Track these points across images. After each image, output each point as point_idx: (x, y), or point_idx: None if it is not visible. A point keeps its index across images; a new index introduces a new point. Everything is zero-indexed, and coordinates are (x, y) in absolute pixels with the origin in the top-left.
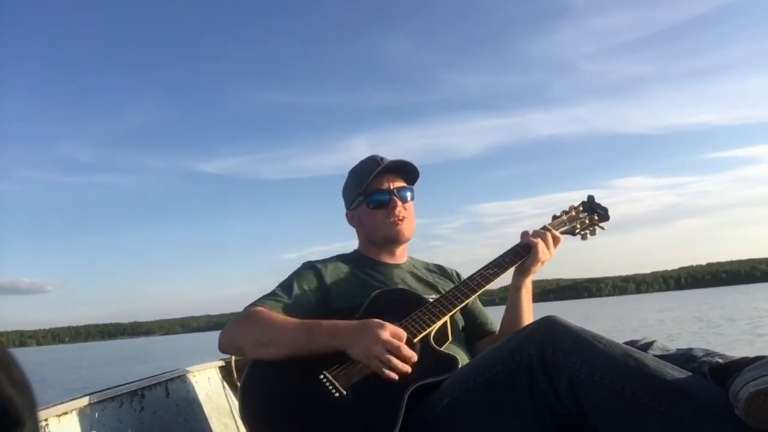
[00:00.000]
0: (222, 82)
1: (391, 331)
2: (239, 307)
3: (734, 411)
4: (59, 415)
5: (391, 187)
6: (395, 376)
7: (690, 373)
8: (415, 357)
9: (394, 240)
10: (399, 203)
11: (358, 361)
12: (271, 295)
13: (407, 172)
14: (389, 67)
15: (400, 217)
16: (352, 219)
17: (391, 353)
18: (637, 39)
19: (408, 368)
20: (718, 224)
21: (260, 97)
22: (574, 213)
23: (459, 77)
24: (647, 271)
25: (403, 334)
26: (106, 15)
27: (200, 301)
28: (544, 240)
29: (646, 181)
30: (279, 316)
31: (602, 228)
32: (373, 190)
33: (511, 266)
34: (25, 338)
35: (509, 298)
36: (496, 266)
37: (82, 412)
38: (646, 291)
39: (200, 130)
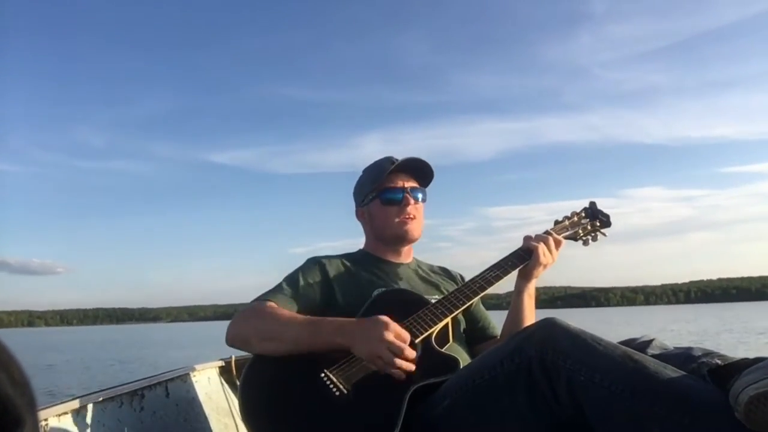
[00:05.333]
0: (237, 73)
1: (395, 332)
2: (246, 298)
3: (734, 413)
4: (59, 415)
5: (405, 185)
6: (402, 375)
7: (690, 375)
8: (416, 359)
9: (402, 238)
10: (411, 202)
11: (358, 358)
12: (277, 290)
13: (421, 174)
14: (403, 66)
15: (411, 216)
16: (362, 216)
17: (395, 354)
18: (655, 49)
19: (412, 367)
20: (730, 239)
21: (273, 91)
22: (576, 218)
23: (473, 79)
24: (657, 283)
25: (407, 336)
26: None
27: (208, 291)
28: (546, 243)
29: (659, 193)
30: (285, 312)
31: (604, 234)
32: (387, 187)
33: (514, 269)
34: (33, 318)
35: (512, 302)
36: (499, 269)
37: (82, 412)
38: (655, 303)
39: (213, 121)
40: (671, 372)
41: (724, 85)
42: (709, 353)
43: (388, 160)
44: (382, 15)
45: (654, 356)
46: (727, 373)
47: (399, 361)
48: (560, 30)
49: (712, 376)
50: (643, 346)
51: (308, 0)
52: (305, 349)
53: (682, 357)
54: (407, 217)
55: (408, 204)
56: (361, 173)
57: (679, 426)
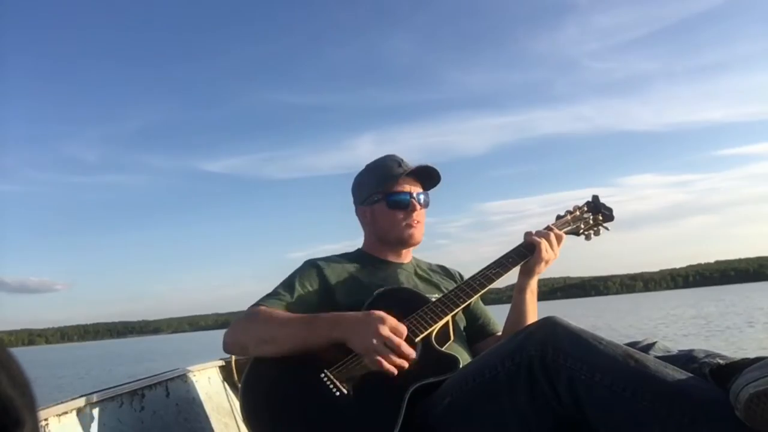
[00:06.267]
0: (226, 81)
1: (391, 326)
2: (246, 306)
3: (735, 412)
4: (59, 415)
5: (412, 190)
6: (394, 371)
7: (691, 375)
8: (413, 354)
9: (405, 242)
10: (418, 208)
11: (358, 357)
12: (273, 295)
13: (428, 178)
14: (393, 66)
15: (416, 221)
16: (363, 215)
17: (390, 349)
18: (642, 36)
19: (405, 364)
20: (726, 222)
21: (264, 97)
22: (578, 213)
23: (463, 75)
24: (655, 269)
25: (404, 330)
26: (110, 14)
27: (208, 300)
28: (548, 239)
29: (654, 179)
30: (280, 312)
31: (606, 228)
32: (395, 190)
33: (514, 266)
34: (34, 337)
35: (513, 299)
36: (499, 266)
37: (82, 412)
38: (654, 289)
39: (205, 130)
40: (672, 371)
41: (714, 69)
42: (711, 354)
43: (394, 161)
44: (370, 17)
45: (657, 358)
46: (728, 372)
47: (393, 358)
48: (547, 23)
49: (713, 375)
50: (646, 348)
51: (296, 6)
52: (303, 348)
53: (684, 358)
54: (413, 222)
55: (414, 210)
56: (363, 169)
57: (680, 425)
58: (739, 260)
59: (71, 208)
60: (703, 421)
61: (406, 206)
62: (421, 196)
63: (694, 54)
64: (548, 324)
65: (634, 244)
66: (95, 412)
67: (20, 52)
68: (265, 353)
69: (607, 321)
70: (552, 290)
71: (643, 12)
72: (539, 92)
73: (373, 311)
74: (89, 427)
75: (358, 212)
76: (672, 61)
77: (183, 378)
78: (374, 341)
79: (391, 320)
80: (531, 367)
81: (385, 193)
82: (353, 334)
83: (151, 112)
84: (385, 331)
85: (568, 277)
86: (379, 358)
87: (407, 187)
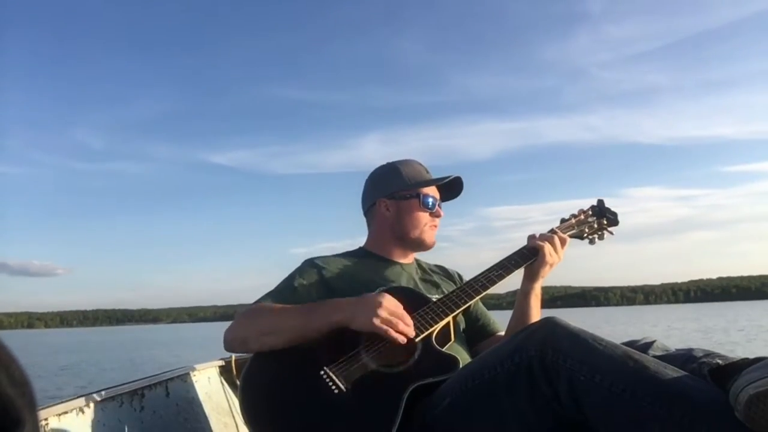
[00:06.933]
0: (234, 74)
1: (390, 301)
2: (246, 299)
3: (734, 413)
4: (59, 415)
5: (438, 198)
6: (403, 339)
7: (690, 375)
8: (412, 324)
9: (424, 245)
10: (442, 214)
11: (357, 355)
12: (273, 293)
13: (448, 190)
14: (401, 67)
15: (436, 227)
16: (385, 208)
17: (396, 319)
18: (653, 49)
19: (412, 332)
20: (729, 238)
21: (271, 92)
22: (582, 217)
23: (470, 79)
24: (656, 282)
25: (400, 305)
26: (121, 1)
27: (208, 292)
28: (552, 243)
29: (658, 192)
30: (278, 305)
31: (611, 233)
32: (427, 192)
33: (517, 268)
34: (33, 320)
35: (517, 302)
36: (502, 268)
37: (82, 412)
38: (655, 302)
39: (212, 122)
40: (672, 372)
41: (724, 85)
42: (710, 353)
43: (422, 166)
44: (379, 15)
45: (655, 357)
46: (727, 373)
47: (401, 326)
48: (558, 30)
49: (712, 376)
50: (644, 347)
51: (305, 1)
52: (304, 336)
53: (683, 358)
54: (435, 227)
55: (439, 215)
56: (389, 164)
57: (680, 426)
58: (741, 278)
59: (76, 193)
60: (703, 421)
61: (434, 210)
62: (441, 204)
63: (704, 69)
64: (548, 324)
65: (635, 256)
66: (95, 411)
67: (28, 35)
68: (266, 345)
69: (606, 332)
70: (552, 299)
71: (655, 25)
72: (547, 99)
73: (368, 293)
74: (89, 426)
75: (376, 204)
76: (681, 74)
77: (183, 378)
78: (379, 314)
79: (388, 296)
80: (531, 368)
81: (419, 192)
82: (355, 314)
83: (158, 102)
84: (386, 303)
85: (569, 287)
86: (388, 327)
87: (434, 193)
